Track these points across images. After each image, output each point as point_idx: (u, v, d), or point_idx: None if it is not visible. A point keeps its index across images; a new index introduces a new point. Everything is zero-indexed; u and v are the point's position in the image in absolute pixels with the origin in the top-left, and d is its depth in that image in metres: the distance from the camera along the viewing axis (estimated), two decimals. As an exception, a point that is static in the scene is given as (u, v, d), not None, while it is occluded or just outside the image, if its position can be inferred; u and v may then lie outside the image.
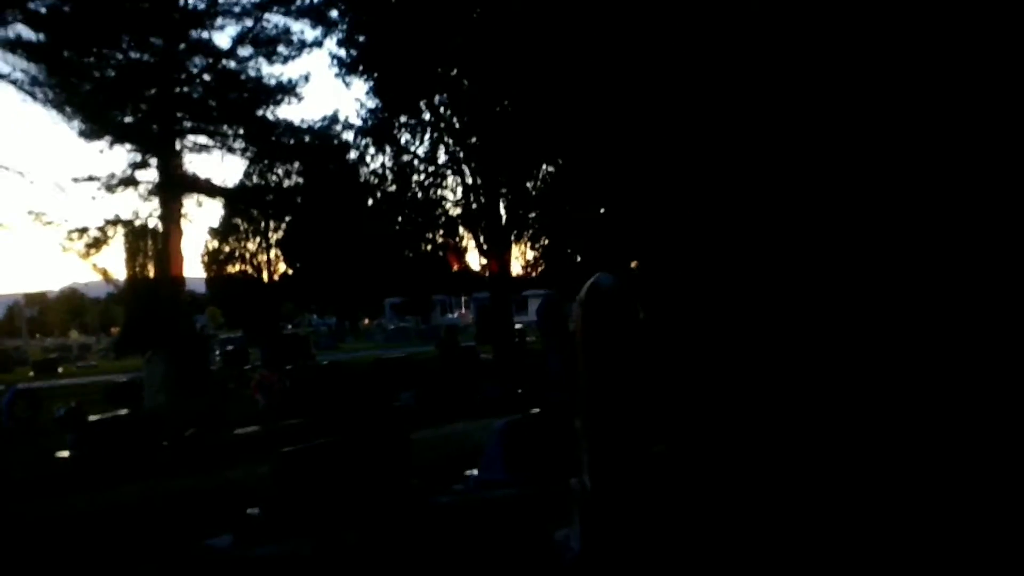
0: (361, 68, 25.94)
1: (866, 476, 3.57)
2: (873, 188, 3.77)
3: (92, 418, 13.85)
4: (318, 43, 28.53)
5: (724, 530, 3.84)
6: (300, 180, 32.43)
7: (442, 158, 27.27)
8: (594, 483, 4.55)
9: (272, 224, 59.93)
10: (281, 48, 28.57)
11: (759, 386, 4.20)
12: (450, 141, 26.37)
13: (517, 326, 30.36)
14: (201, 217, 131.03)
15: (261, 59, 28.72)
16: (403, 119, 26.57)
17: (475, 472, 8.33)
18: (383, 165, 27.82)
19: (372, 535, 6.54)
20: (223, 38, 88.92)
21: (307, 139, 29.03)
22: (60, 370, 37.65)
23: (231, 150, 29.75)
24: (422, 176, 27.59)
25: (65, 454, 12.70)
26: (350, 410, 14.19)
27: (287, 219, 49.53)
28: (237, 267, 65.24)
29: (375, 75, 25.73)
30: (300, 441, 8.51)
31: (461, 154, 26.16)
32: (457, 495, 7.93)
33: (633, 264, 5.85)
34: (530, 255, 36.05)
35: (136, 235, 34.29)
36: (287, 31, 28.41)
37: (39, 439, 15.00)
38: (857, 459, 3.66)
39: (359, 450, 7.62)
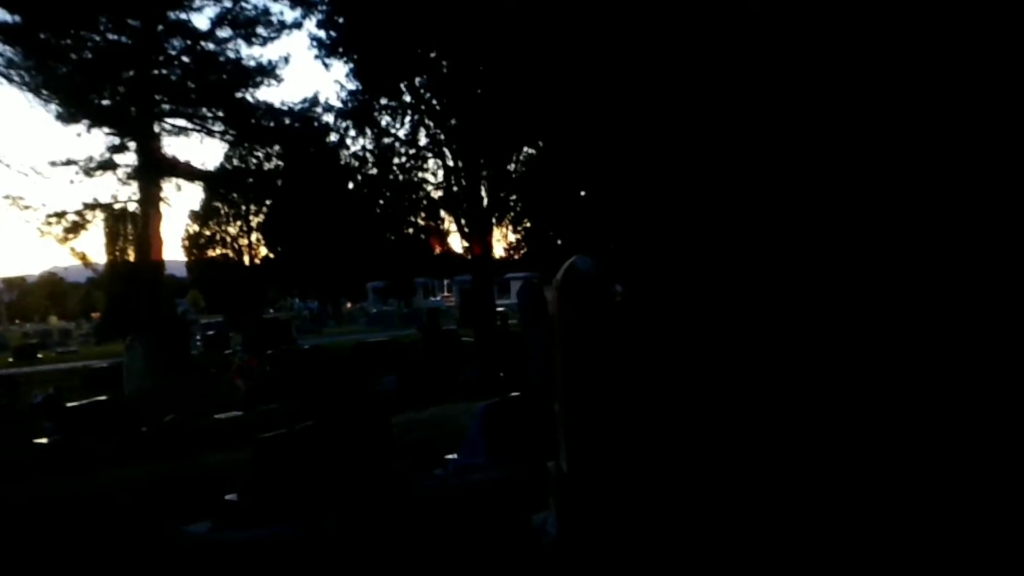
0: (341, 50, 25.81)
1: (844, 465, 3.56)
2: (851, 177, 3.75)
3: (71, 404, 13.76)
4: (297, 24, 28.41)
5: (701, 515, 3.83)
6: (280, 163, 32.27)
7: (423, 140, 27.20)
8: (570, 467, 4.53)
9: (253, 207, 59.64)
10: (260, 29, 28.45)
11: (739, 370, 4.18)
12: (431, 123, 26.27)
13: (499, 309, 30.35)
14: (181, 201, 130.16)
15: (240, 41, 28.65)
16: (383, 101, 26.46)
17: (456, 456, 8.31)
18: (364, 148, 27.73)
19: (351, 520, 6.52)
20: (202, 20, 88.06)
21: (287, 121, 28.90)
22: (40, 355, 37.41)
23: (210, 133, 29.62)
24: (403, 159, 27.51)
25: (43, 440, 12.62)
26: (330, 395, 14.14)
27: (268, 202, 49.28)
28: (218, 251, 64.92)
29: (355, 57, 25.60)
30: (280, 426, 8.45)
31: (442, 136, 26.07)
32: (437, 479, 7.90)
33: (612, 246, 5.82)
34: (512, 237, 36.00)
35: (116, 219, 34.12)
36: (266, 12, 28.31)
37: (17, 426, 14.88)
38: (836, 446, 3.65)
39: (338, 435, 7.57)
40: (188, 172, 29.85)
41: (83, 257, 30.21)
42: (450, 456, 8.40)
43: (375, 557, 5.72)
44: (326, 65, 26.53)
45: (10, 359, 35.38)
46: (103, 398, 14.16)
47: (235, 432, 12.22)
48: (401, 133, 27.20)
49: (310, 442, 7.23)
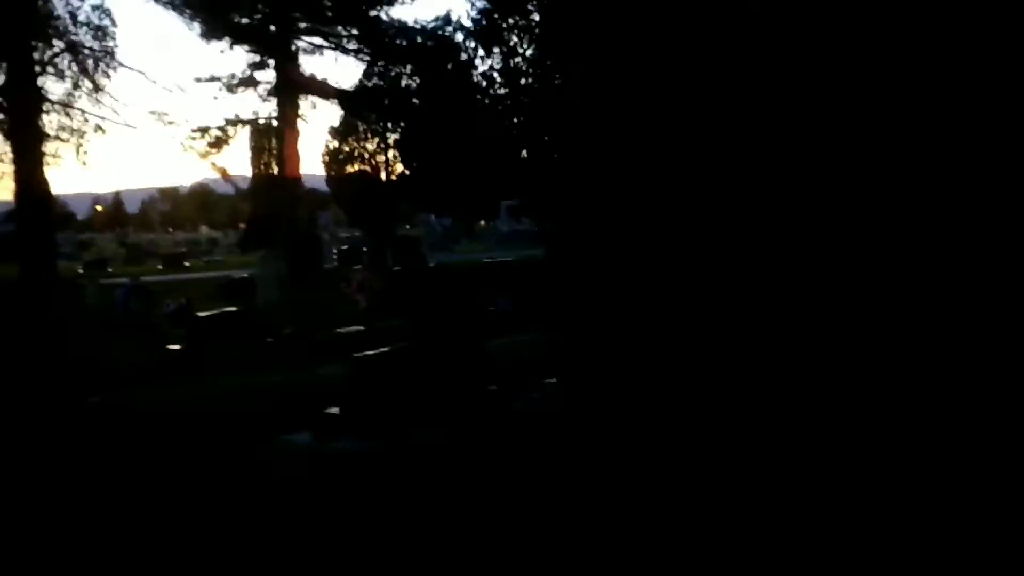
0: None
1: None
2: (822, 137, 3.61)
3: (201, 314, 14.43)
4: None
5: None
6: (414, 81, 32.50)
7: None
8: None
9: (389, 124, 60.26)
10: (394, -54, 28.46)
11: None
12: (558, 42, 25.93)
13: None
14: (320, 117, 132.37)
15: (374, -42, 28.67)
16: (512, 20, 26.26)
17: (554, 380, 8.37)
18: (492, 67, 27.66)
19: (442, 436, 6.71)
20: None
21: (420, 40, 29.01)
22: (187, 264, 38.95)
23: (345, 51, 30.03)
24: (530, 79, 27.34)
25: (174, 347, 13.30)
26: (433, 315, 14.33)
27: (403, 120, 49.78)
28: (356, 167, 65.93)
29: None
30: (397, 342, 8.70)
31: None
32: (532, 401, 8.00)
33: None
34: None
35: (259, 134, 35.14)
36: (401, -72, 28.24)
37: (151, 333, 15.63)
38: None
39: (434, 355, 7.75)
40: (324, 90, 30.42)
41: (223, 172, 31.34)
42: (549, 380, 8.46)
43: (458, 471, 5.89)
44: (458, -18, 26.63)
45: (159, 267, 37.07)
46: (232, 309, 14.79)
47: (353, 346, 12.56)
48: (528, 52, 26.97)
49: (404, 361, 7.43)
